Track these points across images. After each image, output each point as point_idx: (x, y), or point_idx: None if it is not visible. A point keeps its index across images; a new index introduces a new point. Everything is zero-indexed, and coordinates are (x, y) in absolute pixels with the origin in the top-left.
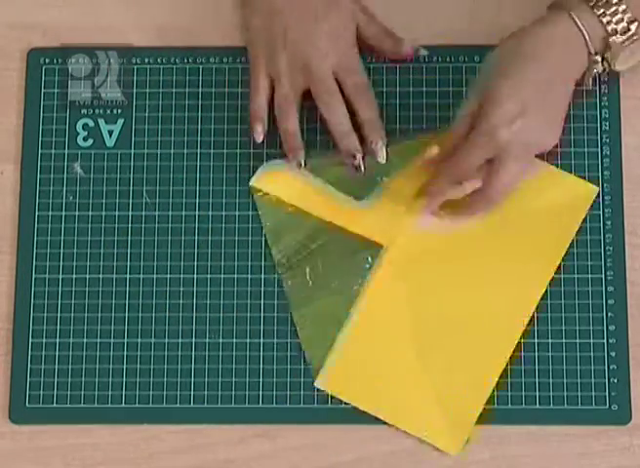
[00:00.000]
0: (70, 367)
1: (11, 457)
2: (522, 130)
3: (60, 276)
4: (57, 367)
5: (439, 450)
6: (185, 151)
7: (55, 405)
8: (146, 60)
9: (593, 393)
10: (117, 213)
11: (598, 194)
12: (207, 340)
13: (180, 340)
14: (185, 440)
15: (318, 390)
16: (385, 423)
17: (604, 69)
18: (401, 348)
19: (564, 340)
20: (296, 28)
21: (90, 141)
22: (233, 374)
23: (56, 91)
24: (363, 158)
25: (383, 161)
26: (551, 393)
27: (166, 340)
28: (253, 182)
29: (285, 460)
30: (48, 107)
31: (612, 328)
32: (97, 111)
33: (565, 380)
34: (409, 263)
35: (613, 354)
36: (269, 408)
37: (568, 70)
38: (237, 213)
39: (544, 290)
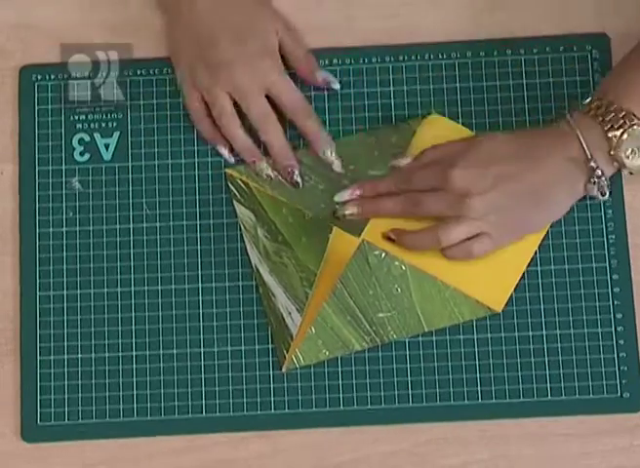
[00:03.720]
0: (80, 382)
1: (11, 456)
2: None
3: (65, 292)
4: (66, 383)
5: (439, 450)
6: (183, 161)
7: (67, 421)
8: (138, 72)
9: (604, 382)
10: (118, 226)
11: None
12: (215, 349)
13: (188, 350)
14: (185, 440)
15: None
16: (385, 423)
17: (615, 173)
18: None
19: (572, 331)
20: (222, 50)
21: (87, 156)
22: (244, 382)
23: (50, 107)
24: (300, 173)
25: (339, 169)
26: (562, 384)
27: (174, 351)
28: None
29: (285, 460)
30: (43, 124)
31: (619, 316)
32: (92, 125)
33: (575, 371)
34: None
35: (621, 342)
36: (277, 414)
37: (566, 178)
38: (238, 219)
39: None
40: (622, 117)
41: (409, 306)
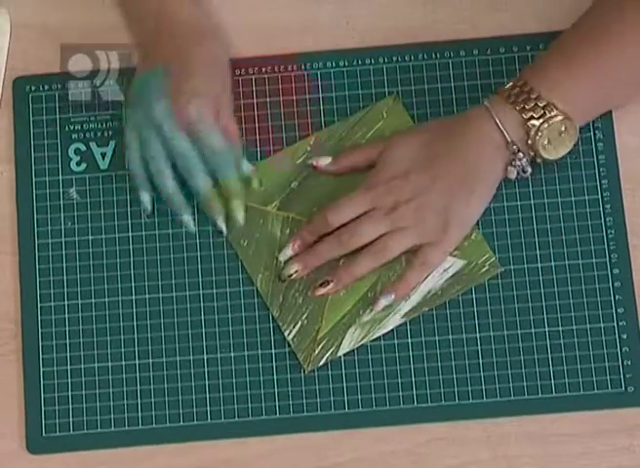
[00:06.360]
0: (84, 392)
1: (12, 456)
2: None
3: (66, 302)
4: (70, 393)
5: (440, 450)
6: None
7: (72, 432)
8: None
9: (608, 377)
10: (117, 235)
11: (596, 190)
12: (218, 355)
13: (191, 357)
14: None
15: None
16: (391, 424)
17: (532, 160)
18: None
19: (574, 326)
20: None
21: (83, 166)
22: (248, 387)
23: (45, 118)
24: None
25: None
26: (566, 380)
27: (177, 358)
28: None
29: (285, 460)
30: (38, 135)
31: (621, 310)
32: (87, 135)
33: (579, 366)
34: None
35: (624, 336)
36: (281, 418)
37: (487, 164)
38: None
39: None
40: (543, 107)
41: None
